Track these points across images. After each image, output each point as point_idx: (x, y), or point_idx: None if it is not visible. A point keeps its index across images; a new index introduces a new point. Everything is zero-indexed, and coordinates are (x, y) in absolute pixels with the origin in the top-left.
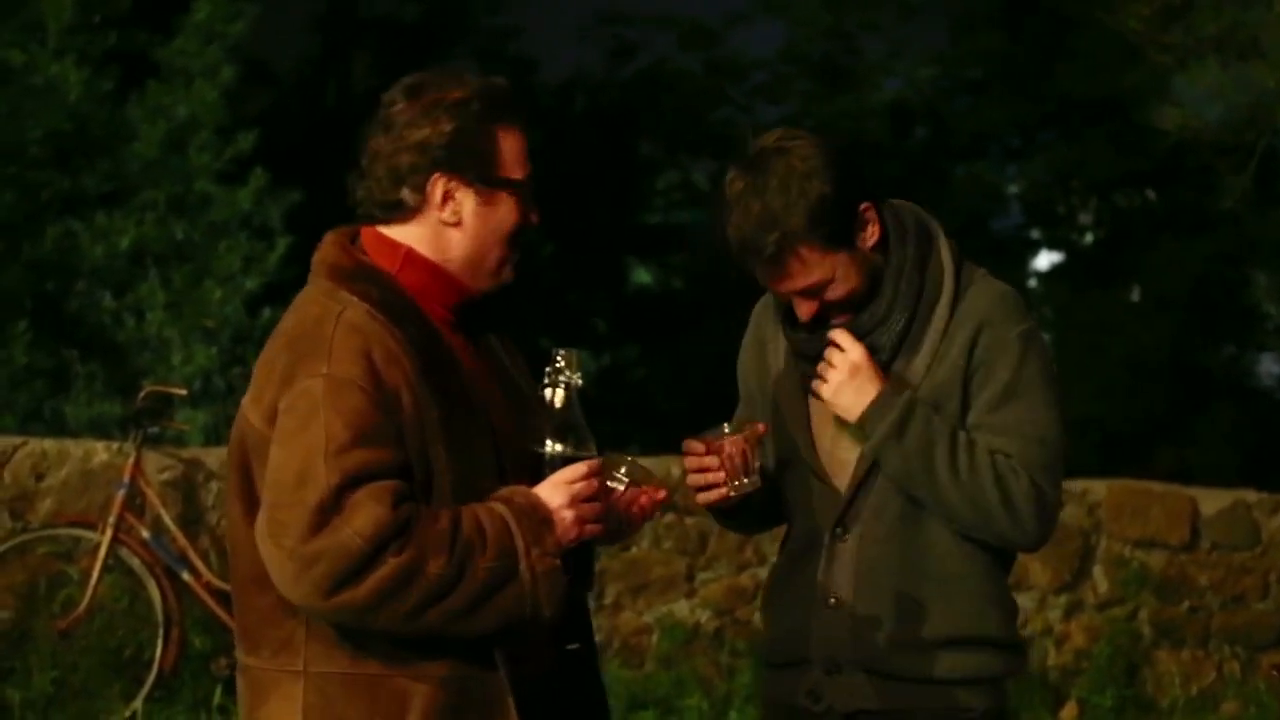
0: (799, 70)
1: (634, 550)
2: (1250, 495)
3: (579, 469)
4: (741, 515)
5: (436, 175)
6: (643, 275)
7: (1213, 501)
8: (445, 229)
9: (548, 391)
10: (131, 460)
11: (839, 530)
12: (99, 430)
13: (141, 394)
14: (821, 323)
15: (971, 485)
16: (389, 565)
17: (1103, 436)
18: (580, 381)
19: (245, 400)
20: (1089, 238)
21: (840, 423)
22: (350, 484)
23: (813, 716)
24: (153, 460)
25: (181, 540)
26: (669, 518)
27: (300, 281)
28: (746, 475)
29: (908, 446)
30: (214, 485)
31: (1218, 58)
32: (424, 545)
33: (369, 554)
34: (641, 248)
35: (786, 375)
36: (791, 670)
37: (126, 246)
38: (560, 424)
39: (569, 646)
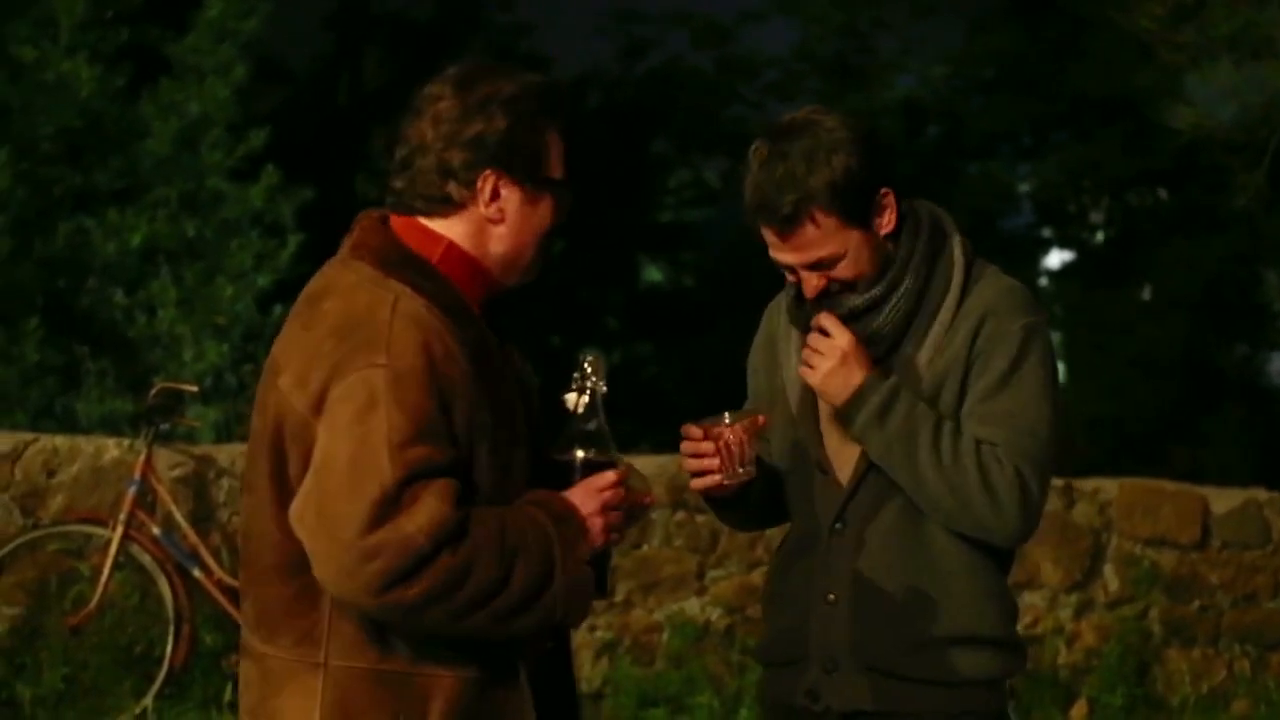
0: (811, 68)
1: (645, 548)
2: (1261, 494)
3: (608, 476)
4: (739, 509)
5: (487, 172)
6: (654, 273)
7: (1224, 500)
8: (488, 225)
9: (571, 396)
10: (143, 457)
11: (838, 525)
12: (110, 427)
13: (153, 391)
14: (827, 302)
15: (953, 470)
16: (443, 565)
17: (1114, 435)
18: (605, 388)
19: (284, 383)
20: (1100, 237)
21: None
22: (411, 479)
23: (812, 716)
24: (164, 457)
25: (192, 537)
26: (680, 515)
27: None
28: (743, 465)
29: (890, 431)
30: (225, 482)
31: (1230, 57)
32: (477, 547)
33: (428, 552)
34: (653, 245)
35: (796, 371)
36: (790, 669)
37: (138, 243)
38: (586, 430)
39: (547, 645)
